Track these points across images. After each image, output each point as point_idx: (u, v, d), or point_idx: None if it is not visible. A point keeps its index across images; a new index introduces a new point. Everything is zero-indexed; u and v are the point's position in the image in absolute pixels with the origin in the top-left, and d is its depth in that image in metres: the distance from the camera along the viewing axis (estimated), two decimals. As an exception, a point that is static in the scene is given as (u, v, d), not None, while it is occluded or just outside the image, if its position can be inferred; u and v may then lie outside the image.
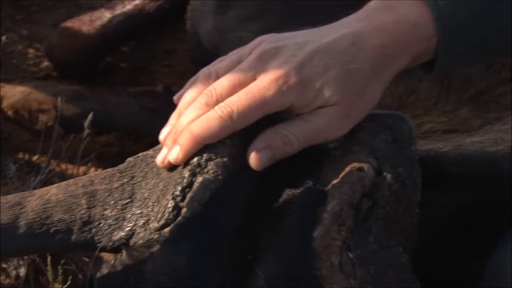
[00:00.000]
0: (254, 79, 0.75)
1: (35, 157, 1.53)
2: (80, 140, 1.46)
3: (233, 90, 0.75)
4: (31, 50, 1.85)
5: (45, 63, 1.81)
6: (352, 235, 0.73)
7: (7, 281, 1.21)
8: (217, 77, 0.78)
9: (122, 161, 0.83)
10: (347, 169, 0.75)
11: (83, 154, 1.46)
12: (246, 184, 0.76)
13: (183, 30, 1.67)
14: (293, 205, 0.75)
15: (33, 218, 0.77)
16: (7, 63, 1.80)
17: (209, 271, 0.73)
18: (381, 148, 0.78)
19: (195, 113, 0.76)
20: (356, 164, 0.75)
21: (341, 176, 0.75)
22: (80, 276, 1.13)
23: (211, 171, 0.74)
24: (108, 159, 1.50)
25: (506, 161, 0.92)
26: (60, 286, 1.04)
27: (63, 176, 1.45)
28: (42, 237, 0.76)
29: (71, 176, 0.89)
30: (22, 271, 1.19)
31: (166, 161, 0.77)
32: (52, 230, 0.77)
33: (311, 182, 0.76)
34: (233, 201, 0.75)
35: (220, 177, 0.74)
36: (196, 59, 1.64)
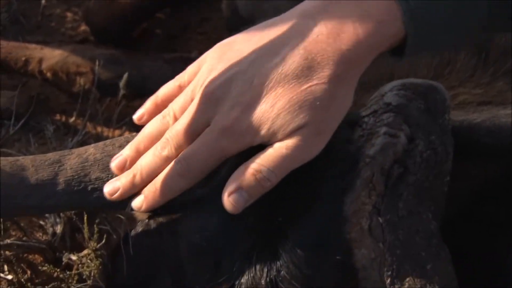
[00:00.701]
0: (208, 124, 0.73)
1: (72, 119, 1.55)
2: (116, 104, 1.49)
3: (190, 138, 0.74)
4: (69, 14, 1.86)
5: (83, 27, 1.81)
6: (382, 200, 0.73)
7: (44, 237, 1.25)
8: (175, 118, 0.76)
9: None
10: (379, 135, 0.75)
11: (118, 118, 1.48)
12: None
13: (218, -1, 1.68)
14: (324, 169, 0.75)
15: (71, 176, 0.78)
16: (46, 26, 1.81)
17: (239, 233, 0.74)
18: (414, 116, 0.77)
19: (156, 163, 0.75)
20: (389, 130, 0.75)
21: (373, 142, 0.75)
22: (114, 236, 1.15)
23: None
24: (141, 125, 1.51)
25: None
26: (95, 244, 1.07)
27: (99, 138, 1.46)
28: (80, 195, 0.78)
29: (106, 139, 0.91)
30: (59, 228, 1.22)
31: (117, 195, 0.77)
32: (89, 187, 0.78)
33: (343, 148, 0.77)
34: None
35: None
36: (231, 27, 1.64)
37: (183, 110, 0.76)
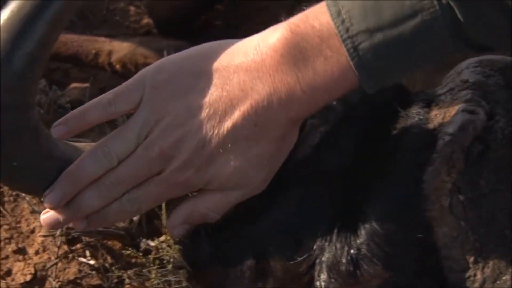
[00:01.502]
0: (158, 174, 0.73)
1: (139, 110, 1.58)
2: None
3: (136, 182, 0.73)
4: (132, 8, 1.89)
5: (145, 20, 1.85)
6: (462, 178, 0.72)
7: (121, 224, 1.26)
8: (118, 160, 0.73)
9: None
10: (458, 112, 0.74)
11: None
12: (354, 128, 0.77)
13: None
14: (402, 148, 0.74)
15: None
16: (110, 20, 1.85)
17: (319, 211, 0.74)
18: (492, 92, 0.75)
19: (100, 205, 0.74)
20: (467, 107, 0.74)
21: (451, 119, 0.74)
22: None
23: (320, 114, 0.75)
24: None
25: None
26: (172, 229, 1.08)
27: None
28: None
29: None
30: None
31: (53, 227, 0.77)
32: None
33: (420, 127, 0.76)
34: (343, 145, 0.76)
35: (328, 120, 0.75)
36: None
37: (126, 155, 0.73)
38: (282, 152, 0.74)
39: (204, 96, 0.72)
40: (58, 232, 1.25)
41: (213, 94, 0.71)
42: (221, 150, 0.71)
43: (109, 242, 1.25)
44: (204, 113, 0.71)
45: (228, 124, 0.71)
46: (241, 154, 0.72)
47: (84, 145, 0.77)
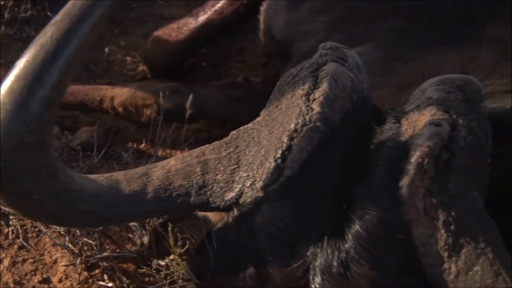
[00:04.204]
0: None
1: (142, 145, 1.58)
2: (179, 128, 1.51)
3: None
4: (128, 58, 1.91)
5: (141, 67, 1.87)
6: (434, 183, 0.72)
7: (133, 248, 1.27)
8: None
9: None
10: (426, 125, 0.74)
11: (180, 140, 1.50)
12: (338, 145, 0.77)
13: (251, 30, 1.70)
14: (380, 160, 0.75)
15: (158, 185, 0.80)
16: (111, 70, 1.86)
17: (310, 221, 0.74)
18: (454, 106, 0.76)
19: None
20: (433, 121, 0.74)
21: (421, 132, 0.74)
22: (194, 241, 1.16)
23: (306, 135, 0.75)
24: (201, 144, 1.53)
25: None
26: (180, 249, 1.07)
27: (169, 159, 1.48)
28: (166, 201, 0.79)
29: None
30: (146, 239, 1.24)
31: None
32: (174, 194, 0.79)
33: (393, 140, 0.76)
34: (328, 161, 0.76)
35: (314, 140, 0.75)
36: (269, 53, 1.65)
37: None
38: None
39: None
40: (78, 261, 1.24)
41: None
42: None
43: (124, 265, 1.24)
44: None
45: None
46: None
47: (97, 177, 0.77)
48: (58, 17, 0.67)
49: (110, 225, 1.17)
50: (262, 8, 1.60)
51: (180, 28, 1.73)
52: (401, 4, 1.18)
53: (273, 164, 0.76)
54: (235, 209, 0.78)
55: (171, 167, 0.81)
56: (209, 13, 1.71)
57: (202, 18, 1.71)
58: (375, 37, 1.19)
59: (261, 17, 1.62)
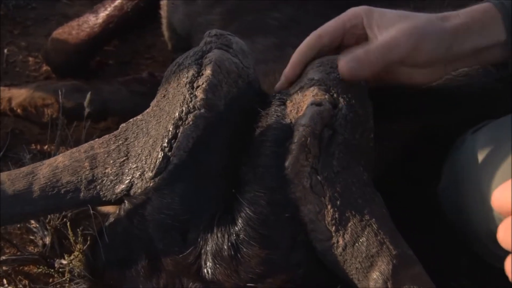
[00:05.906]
0: None
1: (45, 146, 1.52)
2: (83, 127, 1.45)
3: None
4: (31, 58, 1.82)
5: (44, 68, 1.78)
6: (318, 161, 0.73)
7: (36, 249, 1.21)
8: None
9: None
10: (308, 105, 0.75)
11: (86, 139, 1.45)
12: (224, 130, 0.76)
13: (160, 27, 1.67)
14: (266, 142, 0.75)
15: (45, 183, 0.76)
16: (11, 71, 1.77)
17: (201, 206, 0.73)
18: (335, 86, 0.78)
19: None
20: (315, 100, 0.75)
21: (302, 112, 0.75)
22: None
23: (191, 122, 0.74)
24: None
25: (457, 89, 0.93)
26: (81, 246, 1.04)
27: (72, 159, 1.43)
28: (54, 198, 0.76)
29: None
30: (47, 239, 1.19)
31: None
32: (62, 191, 0.76)
33: (278, 121, 0.76)
34: (215, 146, 0.75)
35: (199, 126, 0.74)
36: (174, 47, 1.63)
37: None
38: None
39: None
40: (-29, 265, 1.17)
41: None
42: None
43: (26, 268, 1.18)
44: None
45: None
46: None
47: None
48: None
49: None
50: (162, 2, 1.58)
51: (80, 26, 1.67)
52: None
53: (160, 153, 0.74)
54: (126, 201, 0.76)
55: (58, 164, 0.78)
56: (109, 9, 1.66)
57: (103, 14, 1.66)
58: (267, 26, 1.20)
59: (162, 12, 1.59)
